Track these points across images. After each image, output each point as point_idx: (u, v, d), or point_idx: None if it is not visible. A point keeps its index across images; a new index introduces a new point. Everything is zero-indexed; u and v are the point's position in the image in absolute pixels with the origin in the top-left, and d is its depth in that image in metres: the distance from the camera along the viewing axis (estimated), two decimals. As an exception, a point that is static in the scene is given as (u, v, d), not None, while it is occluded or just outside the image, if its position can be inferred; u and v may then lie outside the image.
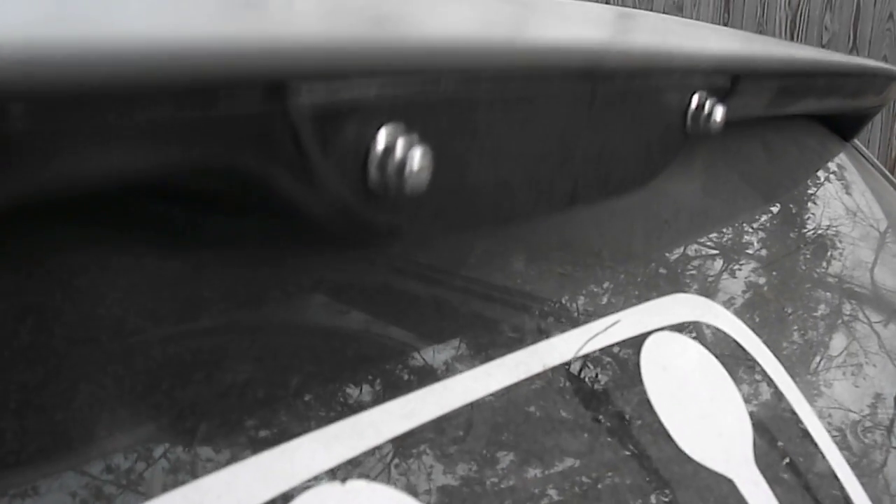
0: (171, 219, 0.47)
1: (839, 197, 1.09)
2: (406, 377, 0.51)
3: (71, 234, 0.44)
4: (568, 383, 0.59)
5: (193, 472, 0.41)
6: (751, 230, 0.91)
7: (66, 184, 0.34)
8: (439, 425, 0.50)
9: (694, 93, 0.67)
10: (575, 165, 0.57)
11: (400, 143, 0.43)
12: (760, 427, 0.69)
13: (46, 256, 0.43)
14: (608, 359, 0.62)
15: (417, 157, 0.43)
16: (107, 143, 0.33)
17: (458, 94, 0.47)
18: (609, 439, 0.60)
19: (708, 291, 0.77)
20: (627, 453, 0.60)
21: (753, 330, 0.75)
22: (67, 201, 0.37)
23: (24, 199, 0.32)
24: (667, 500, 0.60)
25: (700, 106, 0.66)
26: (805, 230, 0.99)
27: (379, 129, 0.43)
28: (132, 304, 0.45)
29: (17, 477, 0.38)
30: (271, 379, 0.47)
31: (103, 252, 0.45)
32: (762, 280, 0.87)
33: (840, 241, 1.01)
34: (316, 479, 0.43)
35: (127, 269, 0.45)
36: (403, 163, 0.43)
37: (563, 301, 0.64)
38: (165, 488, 0.40)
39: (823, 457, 0.73)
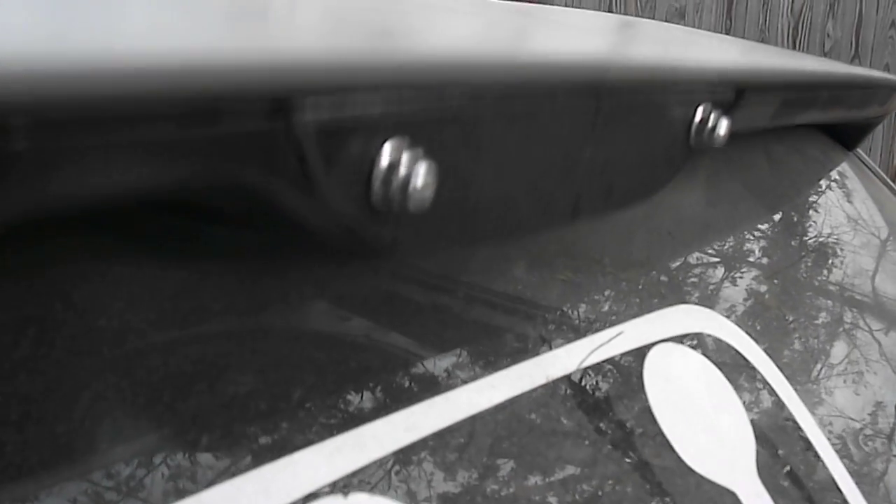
0: (175, 232, 0.47)
1: (841, 206, 1.09)
2: (409, 389, 0.51)
3: (74, 246, 0.44)
4: (571, 395, 0.59)
5: (195, 484, 0.41)
6: (753, 240, 0.91)
7: (70, 200, 0.34)
8: (442, 438, 0.50)
9: (698, 106, 0.66)
10: (579, 179, 0.57)
11: (404, 159, 0.43)
12: (763, 438, 0.69)
13: (49, 268, 0.43)
14: (611, 370, 0.62)
15: (422, 173, 0.43)
16: (111, 159, 0.33)
17: (463, 109, 0.47)
18: (612, 451, 0.59)
19: (711, 302, 0.77)
20: (630, 465, 0.60)
21: (756, 340, 0.75)
22: (71, 214, 0.37)
23: (28, 213, 0.33)
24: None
25: (704, 119, 0.66)
26: (807, 239, 0.99)
27: (383, 144, 0.43)
28: (135, 317, 0.45)
29: (18, 489, 0.38)
30: (274, 391, 0.47)
31: (106, 264, 0.45)
32: (764, 290, 0.86)
33: (842, 250, 1.01)
34: (318, 492, 0.43)
35: (130, 282, 0.45)
36: (408, 178, 0.43)
37: (566, 312, 0.64)
38: (166, 501, 0.40)
39: (825, 466, 0.73)
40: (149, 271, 0.46)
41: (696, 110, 0.66)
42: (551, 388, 0.57)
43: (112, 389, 0.42)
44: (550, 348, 0.59)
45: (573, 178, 0.57)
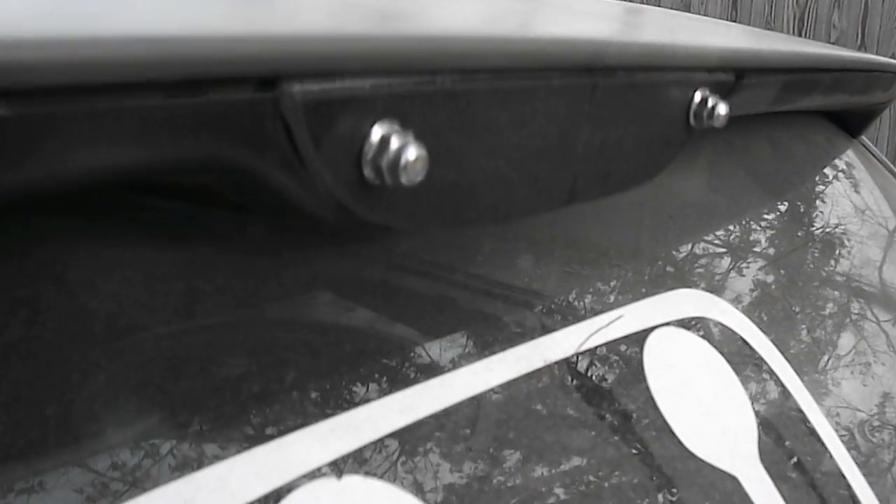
0: (167, 214, 0.47)
1: (847, 194, 1.08)
2: (403, 372, 0.51)
3: (64, 229, 0.44)
4: (570, 378, 0.59)
5: (188, 465, 0.41)
6: (757, 227, 0.91)
7: (57, 178, 0.33)
8: (438, 420, 0.50)
9: (697, 89, 0.66)
10: (576, 160, 0.57)
11: (394, 139, 0.42)
12: (766, 424, 0.69)
13: (40, 251, 0.43)
14: (611, 354, 0.62)
15: (412, 153, 0.42)
16: (99, 137, 0.33)
17: (455, 89, 0.46)
18: (611, 435, 0.59)
19: (713, 287, 0.77)
20: (630, 449, 0.59)
21: (759, 326, 0.75)
22: (60, 196, 0.37)
23: (15, 187, 0.32)
24: (670, 497, 0.60)
25: (703, 102, 0.66)
26: (812, 227, 0.99)
27: (373, 125, 0.43)
28: (126, 299, 0.44)
29: (8, 472, 0.38)
30: (267, 374, 0.46)
31: (98, 247, 0.45)
32: (767, 276, 0.86)
33: (848, 239, 1.00)
34: (312, 474, 0.43)
35: (121, 264, 0.45)
36: (398, 158, 0.42)
37: (565, 295, 0.64)
38: (159, 482, 0.40)
39: (830, 455, 0.73)
40: (141, 255, 0.46)
41: (694, 93, 0.66)
42: (550, 371, 0.57)
43: (104, 372, 0.42)
44: (549, 332, 0.59)
45: (570, 159, 0.56)
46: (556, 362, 0.58)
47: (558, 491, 0.54)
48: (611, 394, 0.61)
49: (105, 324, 0.43)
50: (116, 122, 0.34)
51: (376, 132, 0.42)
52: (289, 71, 0.38)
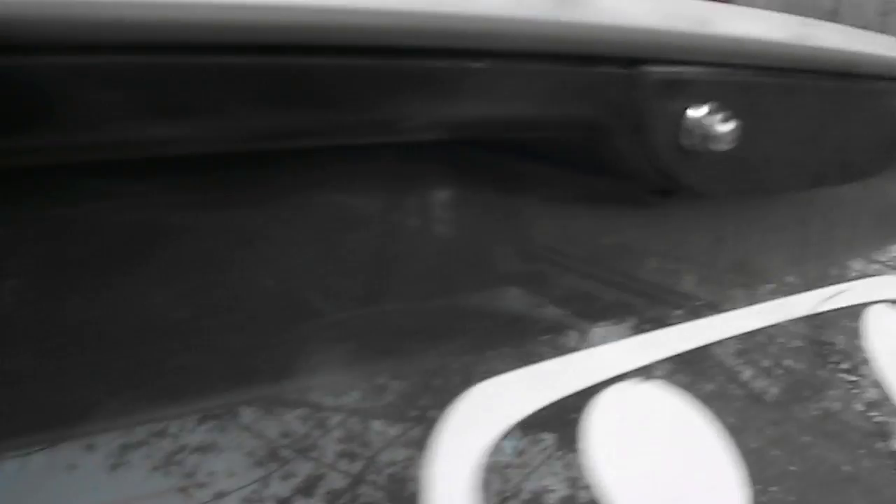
0: (498, 168, 0.59)
1: None
2: (689, 306, 0.62)
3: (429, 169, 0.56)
4: (807, 331, 0.68)
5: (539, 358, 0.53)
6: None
7: (486, 125, 0.46)
8: (710, 350, 0.60)
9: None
10: (824, 150, 0.67)
11: (715, 117, 0.54)
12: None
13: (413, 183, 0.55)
14: (837, 319, 0.71)
15: (725, 127, 0.53)
16: (516, 92, 0.46)
17: (756, 81, 0.57)
18: (833, 388, 0.68)
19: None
20: (851, 395, 0.68)
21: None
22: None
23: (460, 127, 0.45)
24: (886, 447, 0.68)
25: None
26: None
27: (702, 103, 0.54)
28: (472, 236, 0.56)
29: (203, 399, 0.46)
30: (594, 303, 0.58)
31: (435, 191, 0.57)
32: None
33: None
34: (621, 377, 0.54)
35: (458, 208, 0.57)
36: (714, 132, 0.54)
37: (806, 266, 0.74)
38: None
39: None
40: (471, 200, 0.58)
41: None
42: (788, 327, 0.67)
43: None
44: (789, 294, 0.69)
45: (820, 149, 0.66)
46: (793, 320, 0.68)
47: (790, 423, 0.64)
48: (835, 351, 0.70)
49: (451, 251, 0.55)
50: (528, 82, 0.46)
51: (703, 109, 0.54)
52: (649, 56, 0.50)
